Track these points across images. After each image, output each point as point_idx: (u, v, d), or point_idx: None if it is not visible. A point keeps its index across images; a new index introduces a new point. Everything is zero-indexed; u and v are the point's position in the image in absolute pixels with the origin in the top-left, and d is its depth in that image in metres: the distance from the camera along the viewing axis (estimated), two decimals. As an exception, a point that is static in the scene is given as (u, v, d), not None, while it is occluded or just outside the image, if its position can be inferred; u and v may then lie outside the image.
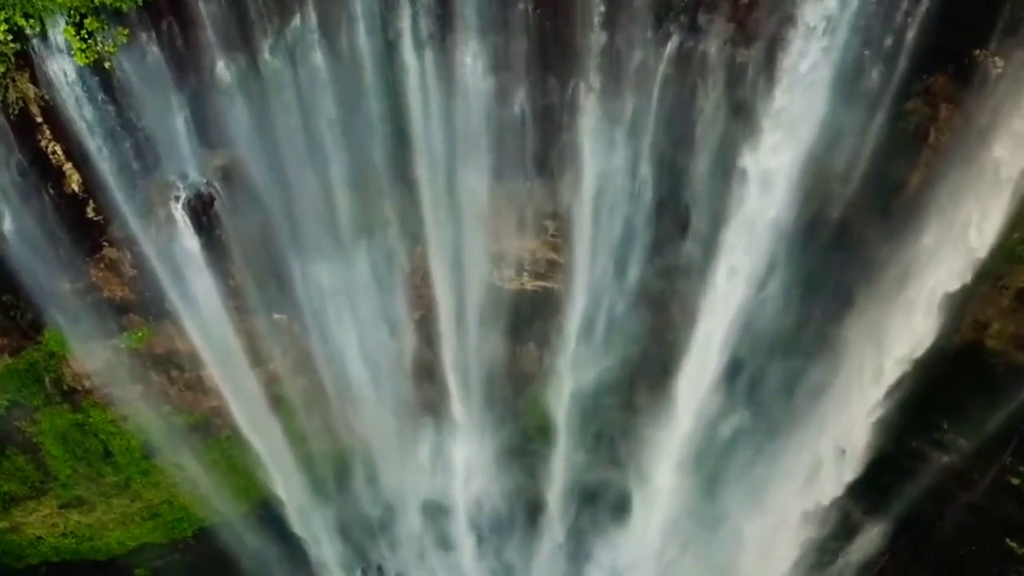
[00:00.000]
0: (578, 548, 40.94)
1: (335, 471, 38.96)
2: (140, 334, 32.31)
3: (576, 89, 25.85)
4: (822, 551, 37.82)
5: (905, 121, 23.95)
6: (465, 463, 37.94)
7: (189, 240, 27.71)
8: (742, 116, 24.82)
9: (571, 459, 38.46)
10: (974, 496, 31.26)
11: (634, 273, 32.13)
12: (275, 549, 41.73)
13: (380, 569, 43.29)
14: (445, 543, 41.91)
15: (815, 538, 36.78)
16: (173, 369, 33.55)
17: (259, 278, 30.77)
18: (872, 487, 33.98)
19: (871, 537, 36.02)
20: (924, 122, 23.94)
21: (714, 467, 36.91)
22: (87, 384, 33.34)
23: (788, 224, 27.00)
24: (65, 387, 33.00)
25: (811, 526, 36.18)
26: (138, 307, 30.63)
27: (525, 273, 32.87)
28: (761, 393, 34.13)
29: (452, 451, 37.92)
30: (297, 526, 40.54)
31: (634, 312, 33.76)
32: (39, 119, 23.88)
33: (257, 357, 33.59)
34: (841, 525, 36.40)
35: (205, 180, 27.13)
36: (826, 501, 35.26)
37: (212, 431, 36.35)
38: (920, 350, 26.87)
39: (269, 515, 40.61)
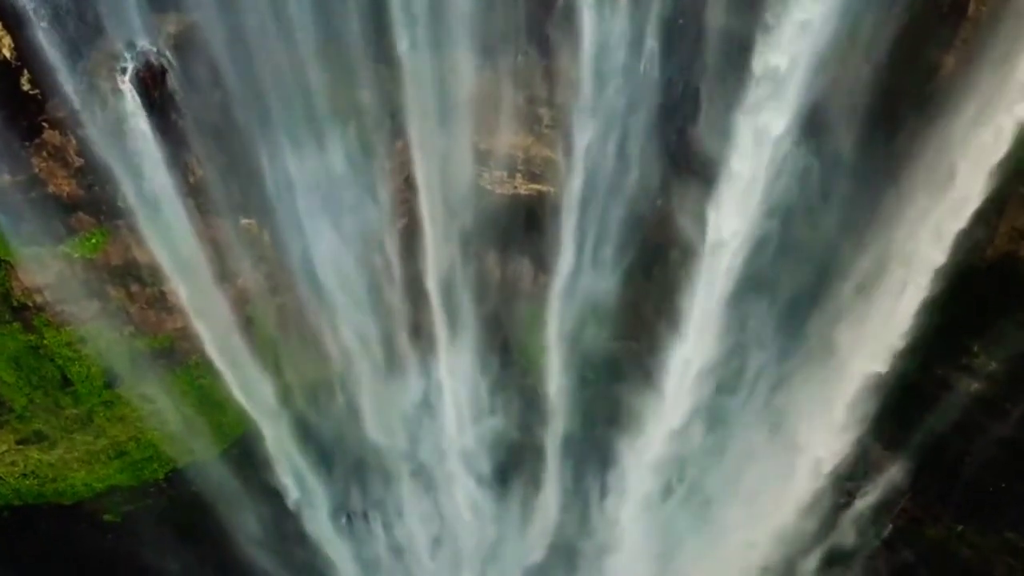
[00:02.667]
0: (578, 488, 37.75)
1: (314, 405, 35.90)
2: (94, 241, 29.22)
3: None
4: (837, 492, 34.50)
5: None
6: (453, 395, 34.77)
7: (139, 120, 24.66)
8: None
9: (569, 392, 35.26)
10: (1006, 428, 28.48)
11: (640, 171, 28.85)
12: (254, 494, 38.66)
13: (366, 515, 40.17)
14: (433, 484, 38.75)
15: (830, 477, 33.33)
16: (133, 283, 30.51)
17: (222, 173, 27.74)
18: (894, 420, 30.87)
19: (892, 475, 32.85)
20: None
21: (727, 402, 33.65)
22: (39, 300, 30.30)
23: (810, 112, 23.94)
24: (15, 303, 29.98)
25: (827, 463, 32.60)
26: (88, 205, 27.58)
27: (518, 174, 29.73)
28: (779, 314, 30.82)
29: (440, 382, 34.73)
30: (276, 468, 37.37)
31: (641, 219, 30.52)
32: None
33: (224, 271, 30.54)
34: (859, 463, 33.14)
35: (155, 49, 24.03)
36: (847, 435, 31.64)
37: (179, 357, 33.32)
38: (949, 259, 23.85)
39: (247, 456, 37.60)
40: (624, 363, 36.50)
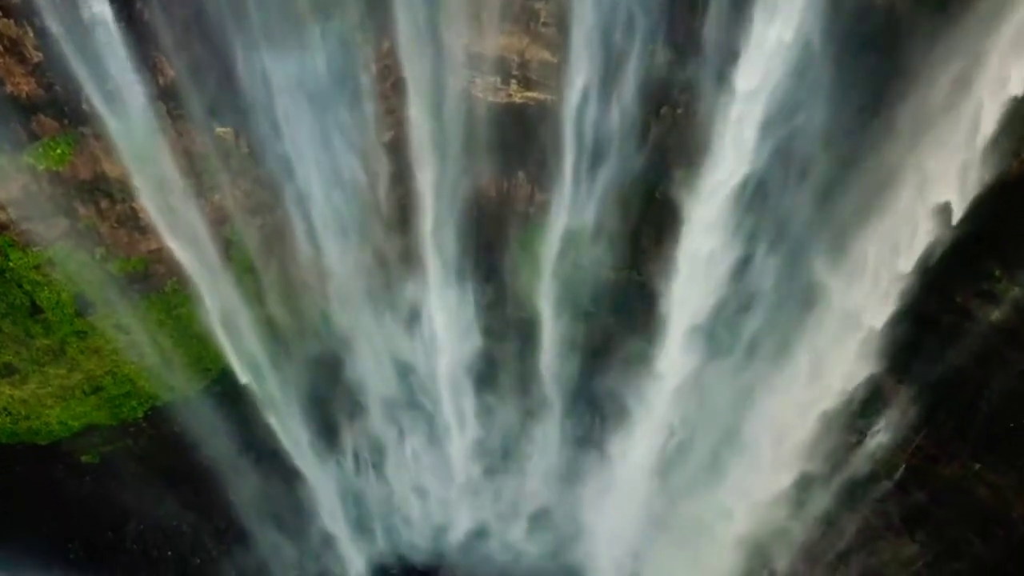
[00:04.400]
0: (576, 426, 36.01)
1: (299, 335, 33.96)
2: (59, 151, 27.24)
3: None
4: (847, 430, 32.73)
5: None
6: (445, 324, 32.86)
7: (100, 5, 22.37)
8: None
9: (566, 321, 33.36)
10: (1028, 360, 26.22)
11: (643, 75, 26.75)
12: (239, 434, 36.86)
13: (356, 457, 38.45)
14: (425, 421, 36.97)
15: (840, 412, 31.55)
16: (102, 199, 28.58)
17: (194, 74, 25.56)
18: (908, 352, 28.91)
19: (906, 412, 30.97)
20: None
21: (730, 331, 31.76)
22: (2, 218, 28.32)
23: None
24: (-24, 220, 27.98)
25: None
26: (50, 106, 25.62)
27: (513, 80, 27.65)
28: (791, 229, 28.84)
29: (430, 310, 32.78)
30: (262, 405, 35.53)
31: (646, 131, 28.46)
32: None
33: (199, 186, 28.51)
34: (871, 398, 31.31)
35: (115, -76, 21.80)
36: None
37: (154, 283, 31.46)
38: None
39: (230, 392, 35.75)
40: (626, 295, 34.61)
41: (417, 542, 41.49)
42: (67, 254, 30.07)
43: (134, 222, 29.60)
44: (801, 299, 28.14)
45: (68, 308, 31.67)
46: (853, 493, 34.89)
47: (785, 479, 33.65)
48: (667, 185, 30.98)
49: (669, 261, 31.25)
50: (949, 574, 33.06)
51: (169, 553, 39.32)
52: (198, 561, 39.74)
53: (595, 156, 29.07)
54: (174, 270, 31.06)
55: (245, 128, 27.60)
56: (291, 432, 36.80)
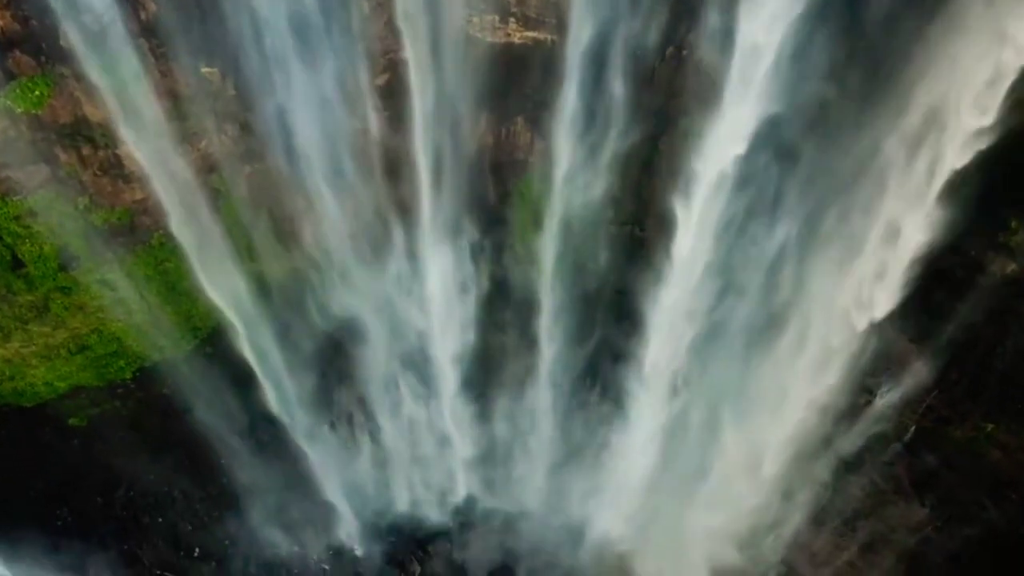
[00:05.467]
0: (577, 386, 34.97)
1: (290, 290, 32.82)
2: (37, 92, 26.04)
3: None
4: (856, 391, 31.66)
5: None
6: (440, 279, 31.69)
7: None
8: None
9: (566, 277, 32.22)
10: (1044, 315, 25.17)
11: (648, 14, 25.49)
12: (231, 397, 35.81)
13: (350, 419, 37.41)
14: (420, 380, 35.87)
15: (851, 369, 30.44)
16: (84, 144, 27.40)
17: (179, 8, 24.36)
18: (920, 308, 27.67)
19: (917, 371, 29.92)
20: None
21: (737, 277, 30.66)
22: (-20, 164, 27.10)
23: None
24: (-48, 167, 26.80)
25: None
26: (26, 42, 24.31)
27: (511, 19, 26.30)
28: (802, 175, 27.69)
29: (426, 264, 31.60)
30: (254, 367, 34.44)
31: (651, 75, 27.22)
32: None
33: (185, 130, 27.27)
34: (881, 356, 30.18)
35: None
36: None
37: (140, 235, 30.35)
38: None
39: (221, 353, 34.68)
40: (628, 251, 33.47)
41: (415, 507, 40.57)
42: (48, 204, 28.93)
43: (118, 170, 28.44)
44: (814, 248, 27.01)
45: (51, 262, 30.57)
46: (861, 456, 33.88)
47: (792, 439, 32.60)
48: (672, 133, 29.80)
49: (672, 215, 30.04)
50: (960, 539, 32.18)
51: (160, 520, 38.52)
52: (190, 528, 38.89)
53: (597, 102, 27.83)
54: (160, 222, 29.93)
55: (231, 69, 26.41)
56: (284, 394, 35.73)
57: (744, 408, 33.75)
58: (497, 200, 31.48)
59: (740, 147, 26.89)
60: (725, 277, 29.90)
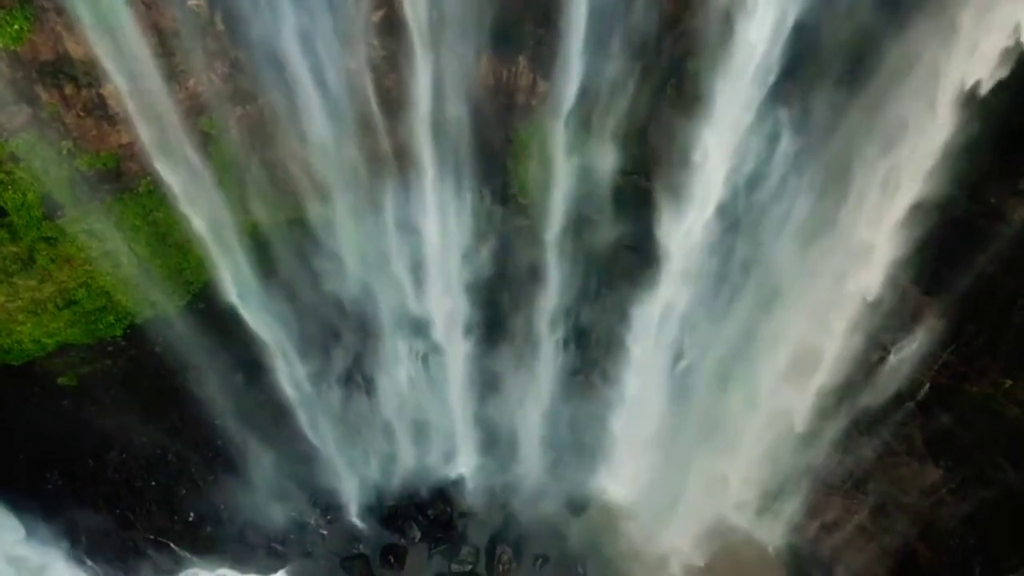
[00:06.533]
0: (579, 344, 33.87)
1: (287, 242, 31.70)
2: (16, 27, 24.80)
3: None
4: (869, 347, 30.51)
5: None
6: (439, 229, 30.53)
7: None
8: None
9: (569, 229, 31.06)
10: (1067, 266, 24.44)
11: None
12: (226, 356, 34.76)
13: (349, 379, 36.37)
14: (419, 337, 34.78)
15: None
16: (66, 83, 26.17)
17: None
18: (936, 259, 26.34)
19: (933, 325, 29.19)
20: None
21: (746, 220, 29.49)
22: (-41, 105, 25.86)
23: None
24: (-72, 107, 25.57)
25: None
26: (0, -33, 22.84)
27: (514, -51, 24.91)
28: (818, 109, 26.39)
29: (424, 213, 30.41)
30: (248, 323, 33.37)
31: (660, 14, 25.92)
32: None
33: (172, 67, 26.02)
34: (895, 310, 29.04)
35: None
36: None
37: (127, 181, 29.20)
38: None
39: (214, 310, 33.63)
40: (634, 202, 32.28)
41: (415, 470, 39.67)
42: (31, 148, 27.71)
43: (102, 111, 27.23)
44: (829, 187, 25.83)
45: (35, 210, 29.39)
46: (873, 416, 32.86)
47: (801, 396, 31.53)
48: (682, 73, 28.55)
49: (681, 163, 28.82)
50: (975, 501, 31.27)
51: (153, 483, 37.59)
52: (184, 491, 38.01)
53: (602, 40, 26.55)
54: (148, 168, 28.74)
55: (219, 2, 25.02)
56: (280, 353, 34.67)
57: (750, 364, 32.65)
58: (498, 147, 30.20)
59: (752, 85, 25.57)
60: (735, 225, 28.71)
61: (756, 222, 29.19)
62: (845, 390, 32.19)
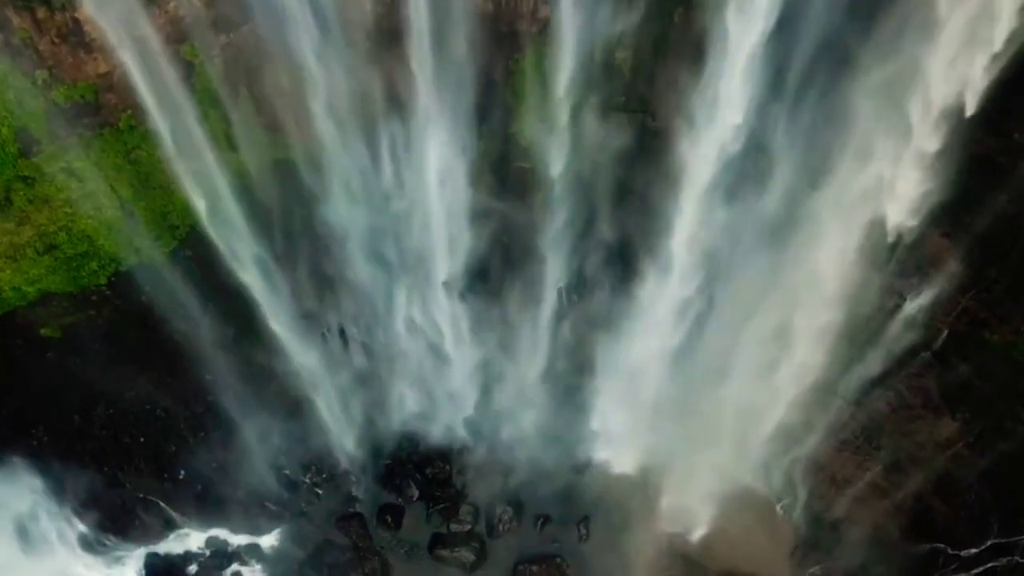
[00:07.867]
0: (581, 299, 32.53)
1: (276, 184, 30.23)
2: (-18, -59, 23.00)
3: None
4: (884, 293, 29.05)
5: None
6: (437, 168, 29.04)
7: None
8: None
9: (572, 174, 29.58)
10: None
11: None
12: (214, 305, 33.38)
13: (343, 332, 35.03)
14: (415, 285, 33.36)
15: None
16: (39, 5, 24.56)
17: None
18: (956, 199, 25.13)
19: (952, 270, 27.79)
20: None
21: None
22: (-76, 28, 24.30)
23: None
24: None
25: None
26: None
27: None
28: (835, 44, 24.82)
29: (420, 151, 28.91)
30: (236, 271, 31.96)
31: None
32: None
33: (151, -12, 24.40)
34: (912, 255, 27.54)
35: None
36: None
37: (107, 116, 27.78)
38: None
39: (202, 256, 32.22)
40: (639, 142, 30.77)
41: (412, 428, 38.45)
42: (3, 77, 26.24)
43: (77, 36, 25.72)
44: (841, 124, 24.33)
45: (10, 147, 27.98)
46: (887, 367, 31.48)
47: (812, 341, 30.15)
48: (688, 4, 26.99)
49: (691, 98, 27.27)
50: (994, 456, 30.00)
51: (142, 440, 36.47)
52: (173, 448, 36.86)
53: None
54: (128, 100, 27.23)
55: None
56: (271, 302, 33.29)
57: (764, 312, 31.26)
58: (497, 82, 28.66)
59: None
60: (750, 157, 27.24)
61: (770, 156, 27.71)
62: (859, 338, 30.75)
